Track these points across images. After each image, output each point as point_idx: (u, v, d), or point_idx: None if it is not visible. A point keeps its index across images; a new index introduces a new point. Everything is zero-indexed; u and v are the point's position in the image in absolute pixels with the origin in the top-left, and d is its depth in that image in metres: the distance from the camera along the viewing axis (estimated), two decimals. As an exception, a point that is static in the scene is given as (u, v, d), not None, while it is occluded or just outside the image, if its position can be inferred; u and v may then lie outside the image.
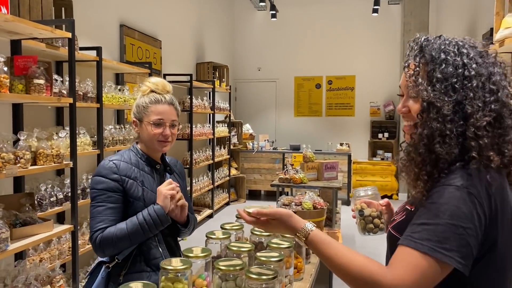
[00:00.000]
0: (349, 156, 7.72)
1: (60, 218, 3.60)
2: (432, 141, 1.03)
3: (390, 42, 8.73)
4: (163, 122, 1.76)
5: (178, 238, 1.93)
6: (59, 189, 3.28)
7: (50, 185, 3.20)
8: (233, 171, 7.93)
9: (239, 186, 8.13)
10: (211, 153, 6.85)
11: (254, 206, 1.23)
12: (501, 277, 1.05)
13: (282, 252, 1.40)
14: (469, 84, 1.04)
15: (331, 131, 9.09)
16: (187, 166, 6.01)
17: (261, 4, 8.02)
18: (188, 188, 5.91)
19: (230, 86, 8.00)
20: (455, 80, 1.05)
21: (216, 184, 6.99)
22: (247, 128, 8.54)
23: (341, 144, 7.97)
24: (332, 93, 9.23)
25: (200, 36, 7.48)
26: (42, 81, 2.53)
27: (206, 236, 1.53)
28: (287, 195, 5.92)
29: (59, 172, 3.57)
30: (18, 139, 2.43)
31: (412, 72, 1.11)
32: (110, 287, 1.71)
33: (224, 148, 7.60)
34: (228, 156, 7.71)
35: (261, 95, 9.58)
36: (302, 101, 9.46)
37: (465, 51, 1.08)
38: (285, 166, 7.23)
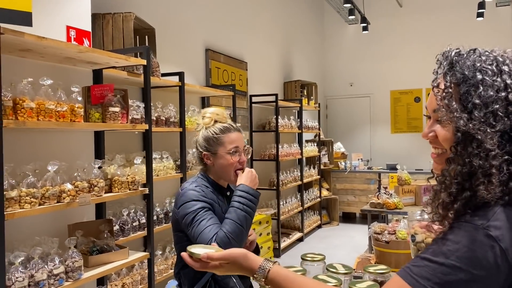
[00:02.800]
0: (455, 175, 6.92)
1: (146, 243, 3.65)
2: (473, 180, 0.87)
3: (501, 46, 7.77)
4: (239, 150, 1.78)
5: None
6: (142, 213, 3.31)
7: (133, 210, 3.24)
8: (324, 192, 7.58)
9: (332, 208, 7.74)
10: (299, 174, 6.61)
11: (197, 247, 1.10)
12: None
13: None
14: None
15: (433, 148, 8.29)
16: (274, 188, 5.84)
17: (351, 17, 7.70)
18: (275, 211, 5.74)
19: (319, 103, 7.74)
20: (497, 106, 0.86)
21: (306, 206, 6.71)
22: (338, 147, 8.15)
23: (445, 163, 7.18)
24: (433, 106, 8.45)
25: (287, 55, 7.37)
26: (117, 109, 2.56)
27: (260, 284, 1.30)
28: (383, 219, 5.44)
29: (145, 196, 3.62)
30: (96, 167, 2.46)
31: (444, 94, 0.90)
32: None
33: (314, 168, 7.31)
34: (319, 177, 7.39)
35: (354, 111, 9.14)
36: (399, 116, 8.83)
37: (506, 68, 0.89)
38: (379, 188, 6.71)
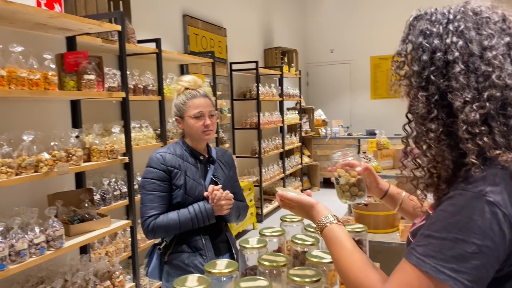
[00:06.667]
0: (433, 140, 7.07)
1: (128, 211, 3.65)
2: (418, 147, 0.90)
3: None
4: (202, 114, 1.89)
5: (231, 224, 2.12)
6: (123, 182, 3.30)
7: (114, 179, 3.22)
8: (306, 159, 7.67)
9: (313, 174, 7.85)
10: (281, 141, 6.65)
11: (290, 190, 1.21)
12: None
13: (325, 268, 1.17)
14: (453, 71, 0.83)
15: (412, 114, 8.41)
16: (256, 156, 5.88)
17: (331, -18, 7.58)
18: (257, 178, 5.79)
19: (300, 71, 7.70)
20: (433, 68, 0.85)
21: (287, 172, 6.79)
22: (319, 114, 8.19)
23: (423, 128, 7.31)
24: (413, 72, 8.52)
25: (267, 21, 7.26)
26: (93, 77, 2.50)
27: (240, 245, 1.34)
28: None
29: (125, 166, 3.60)
30: (74, 136, 2.43)
31: (397, 63, 0.92)
32: (163, 267, 1.93)
33: (296, 135, 7.35)
34: (300, 144, 7.45)
35: (334, 78, 9.14)
36: (379, 82, 8.87)
37: (453, 26, 0.85)
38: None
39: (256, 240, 1.35)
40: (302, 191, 7.37)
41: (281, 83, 6.70)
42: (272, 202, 6.33)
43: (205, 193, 1.87)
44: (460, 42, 0.83)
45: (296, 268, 1.18)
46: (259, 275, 1.18)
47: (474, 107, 0.80)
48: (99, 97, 2.61)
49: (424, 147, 0.88)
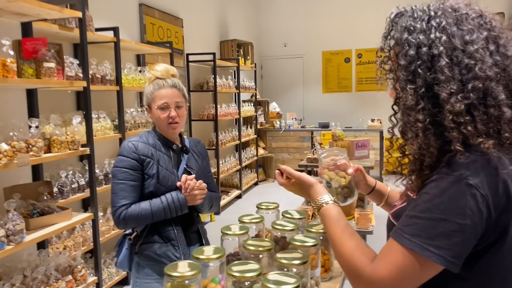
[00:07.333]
0: (381, 132, 7.38)
1: (85, 204, 3.55)
2: (404, 137, 0.96)
3: None
4: (167, 105, 1.86)
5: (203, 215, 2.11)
6: (81, 175, 3.20)
7: (71, 172, 3.12)
8: (261, 151, 7.77)
9: (268, 166, 7.97)
10: (237, 133, 6.69)
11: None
12: (508, 269, 0.91)
13: (307, 251, 1.22)
14: (438, 64, 0.88)
15: (362, 107, 8.74)
16: (213, 147, 5.88)
17: (285, -24, 7.67)
18: (215, 170, 5.80)
19: (255, 64, 7.76)
20: (419, 62, 0.90)
21: (243, 164, 6.85)
22: (273, 107, 8.31)
23: (373, 120, 7.62)
24: (362, 67, 8.84)
25: (223, 14, 7.23)
26: (52, 65, 2.40)
27: (222, 232, 1.37)
28: (316, 175, 5.73)
29: (82, 158, 3.49)
30: (30, 126, 2.33)
31: (382, 58, 0.97)
32: (133, 257, 1.90)
33: (251, 127, 7.42)
34: (255, 136, 7.53)
35: (288, 72, 9.30)
36: (330, 76, 9.13)
37: (435, 22, 0.91)
38: (313, 145, 7.01)
39: (238, 227, 1.38)
40: (257, 183, 7.49)
41: (237, 75, 6.73)
42: (229, 193, 6.37)
43: (178, 183, 1.84)
44: (444, 37, 0.89)
45: (282, 251, 1.23)
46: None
47: (459, 97, 0.86)
48: (60, 86, 2.51)
49: (411, 136, 0.93)
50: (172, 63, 4.64)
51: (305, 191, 1.19)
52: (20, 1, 2.15)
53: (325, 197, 1.11)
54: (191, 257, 1.17)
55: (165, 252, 1.84)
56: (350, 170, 1.30)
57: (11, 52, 2.14)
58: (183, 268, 1.07)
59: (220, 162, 5.97)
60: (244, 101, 7.42)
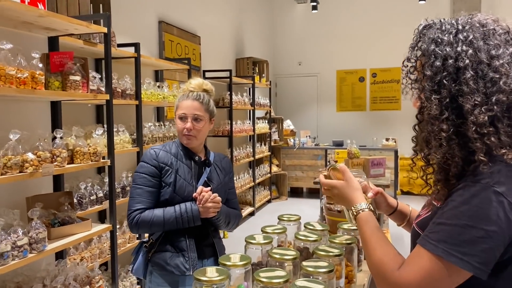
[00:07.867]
0: (396, 152, 7.35)
1: (101, 217, 3.59)
2: (428, 146, 0.97)
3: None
4: (185, 116, 1.89)
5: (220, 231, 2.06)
6: (99, 187, 3.25)
7: (90, 184, 3.17)
8: (274, 168, 7.78)
9: (281, 183, 7.96)
10: (251, 150, 6.72)
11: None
12: None
13: (331, 261, 1.23)
14: (463, 77, 0.91)
15: (376, 126, 8.73)
16: (228, 164, 5.90)
17: (301, -4, 7.81)
18: (229, 186, 5.81)
19: (270, 81, 7.84)
20: (445, 74, 0.93)
21: (257, 181, 6.85)
22: (288, 124, 8.35)
23: (387, 140, 7.61)
24: (377, 86, 8.86)
25: (239, 32, 7.36)
26: (78, 78, 2.47)
27: (246, 241, 1.38)
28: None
29: (100, 170, 3.54)
30: (55, 137, 2.39)
31: (408, 68, 1.00)
32: (149, 265, 1.93)
33: (265, 144, 7.45)
34: (269, 153, 7.55)
35: (302, 90, 9.36)
36: (344, 95, 9.16)
37: (463, 36, 0.94)
38: (328, 163, 7.00)
39: (262, 237, 1.39)
40: (270, 200, 7.47)
41: (252, 92, 6.79)
42: (242, 210, 6.36)
43: (194, 194, 1.84)
44: (470, 51, 0.92)
45: (307, 260, 1.23)
46: (268, 269, 1.22)
47: (483, 109, 0.89)
48: (84, 98, 2.58)
49: (435, 145, 0.95)
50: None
51: (350, 194, 1.18)
52: (51, 16, 2.24)
53: (362, 205, 1.14)
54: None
55: (174, 262, 1.84)
56: (370, 194, 1.31)
57: (40, 65, 2.22)
58: (211, 273, 1.08)
59: (234, 179, 5.98)
60: (258, 118, 7.47)
